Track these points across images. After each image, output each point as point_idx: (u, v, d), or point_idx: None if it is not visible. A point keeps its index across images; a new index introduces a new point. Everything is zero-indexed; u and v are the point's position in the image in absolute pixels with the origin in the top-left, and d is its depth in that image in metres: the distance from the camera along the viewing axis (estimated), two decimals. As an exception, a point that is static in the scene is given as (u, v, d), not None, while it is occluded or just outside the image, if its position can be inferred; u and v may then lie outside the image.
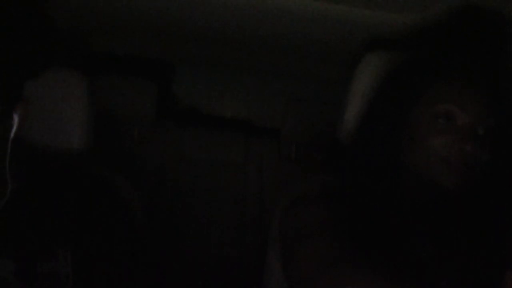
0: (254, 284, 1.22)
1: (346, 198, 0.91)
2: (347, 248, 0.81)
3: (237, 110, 2.64)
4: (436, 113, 0.86)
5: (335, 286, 0.76)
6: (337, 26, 1.18)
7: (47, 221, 0.88)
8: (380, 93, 0.96)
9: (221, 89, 2.61)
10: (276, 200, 1.12)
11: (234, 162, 2.03)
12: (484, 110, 0.85)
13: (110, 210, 0.95)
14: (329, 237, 0.84)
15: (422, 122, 0.87)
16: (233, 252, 1.98)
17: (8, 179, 0.87)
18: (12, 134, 0.84)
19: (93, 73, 1.84)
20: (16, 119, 0.84)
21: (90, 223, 0.91)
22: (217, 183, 2.01)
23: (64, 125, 1.02)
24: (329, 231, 0.85)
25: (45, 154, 1.01)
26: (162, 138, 2.01)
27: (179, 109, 2.57)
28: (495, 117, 0.85)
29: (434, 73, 0.89)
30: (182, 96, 2.57)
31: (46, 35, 0.86)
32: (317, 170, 1.14)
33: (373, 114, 0.94)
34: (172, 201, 1.96)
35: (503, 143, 0.87)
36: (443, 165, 0.84)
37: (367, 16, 1.10)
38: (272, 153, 2.02)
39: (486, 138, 0.85)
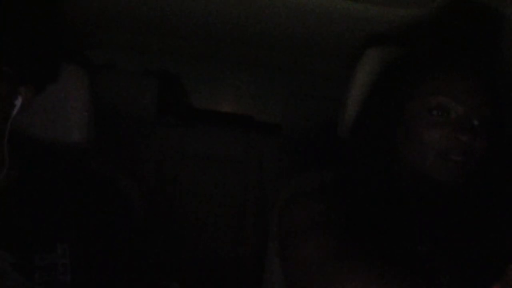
0: (254, 280, 1.23)
1: (344, 193, 0.91)
2: (345, 243, 0.82)
3: (237, 105, 2.64)
4: (430, 105, 0.86)
5: (333, 281, 0.77)
6: (338, 21, 1.18)
7: (46, 214, 0.88)
8: (376, 88, 0.96)
9: (221, 84, 2.61)
10: (275, 196, 1.12)
11: (235, 158, 2.03)
12: (478, 100, 0.85)
13: (110, 205, 0.95)
14: (327, 232, 0.84)
15: (416, 116, 0.87)
16: (233, 248, 1.98)
17: (6, 156, 0.88)
18: (14, 113, 0.86)
19: (94, 68, 1.85)
20: (20, 99, 0.86)
21: (89, 217, 0.91)
22: (218, 178, 2.01)
23: (65, 120, 1.02)
24: (327, 225, 0.85)
25: (45, 148, 1.01)
26: (162, 133, 2.01)
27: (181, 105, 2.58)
28: (489, 108, 0.85)
29: (427, 66, 0.89)
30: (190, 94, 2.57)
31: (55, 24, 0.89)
32: (317, 166, 1.14)
33: (369, 109, 0.95)
34: (172, 196, 1.97)
35: (499, 133, 0.87)
36: (440, 158, 0.84)
37: (368, 11, 1.10)
38: (272, 148, 2.02)
39: (481, 129, 0.85)
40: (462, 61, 0.89)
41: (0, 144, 0.87)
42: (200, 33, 1.53)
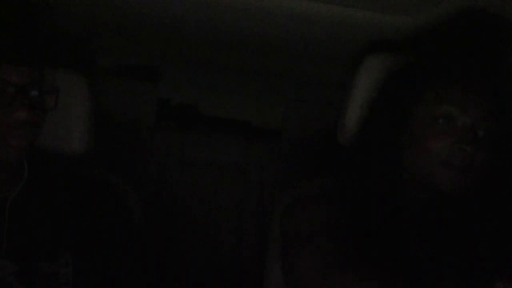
0: (254, 285, 1.22)
1: (346, 200, 0.91)
2: (347, 249, 0.82)
3: (237, 112, 2.64)
4: (436, 114, 0.86)
5: (335, 286, 0.77)
6: (338, 27, 1.18)
7: (48, 223, 0.88)
8: (381, 95, 0.96)
9: (221, 91, 2.61)
10: (276, 202, 1.12)
11: (234, 164, 2.03)
12: (484, 112, 0.85)
13: (111, 212, 0.95)
14: (329, 238, 0.84)
15: (422, 123, 0.87)
16: (233, 254, 1.97)
17: (25, 166, 0.89)
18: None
19: (94, 75, 1.85)
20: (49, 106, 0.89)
21: (90, 225, 0.91)
22: (217, 184, 2.01)
23: (66, 128, 1.02)
24: (329, 231, 0.85)
25: (46, 157, 1.01)
26: (162, 140, 2.01)
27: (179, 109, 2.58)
28: (495, 119, 0.86)
29: (435, 75, 0.89)
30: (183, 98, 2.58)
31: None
32: (317, 172, 1.14)
33: (374, 116, 0.95)
34: (173, 203, 1.96)
35: (503, 145, 0.87)
36: (443, 167, 0.84)
37: (368, 18, 1.10)
38: (272, 154, 2.02)
39: (486, 140, 0.85)
40: (470, 71, 0.89)
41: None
42: (201, 39, 1.53)
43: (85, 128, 1.03)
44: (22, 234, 0.86)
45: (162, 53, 1.83)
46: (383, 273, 0.76)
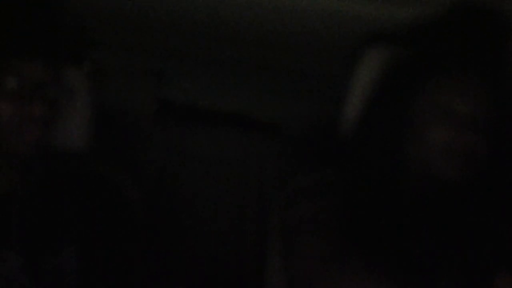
0: (255, 280, 1.23)
1: (347, 192, 0.91)
2: (348, 242, 0.82)
3: (237, 106, 2.63)
4: (437, 103, 0.86)
5: (335, 279, 0.77)
6: (337, 20, 1.18)
7: (55, 218, 0.89)
8: (381, 87, 0.96)
9: (221, 85, 2.60)
10: (276, 194, 1.12)
11: (234, 158, 2.03)
12: (484, 101, 0.85)
13: (112, 207, 0.96)
14: (329, 231, 0.84)
15: (423, 113, 0.88)
16: (234, 248, 1.98)
17: (37, 161, 0.90)
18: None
19: (93, 69, 1.84)
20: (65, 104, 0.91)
21: (93, 220, 0.92)
22: (217, 178, 2.01)
23: (65, 123, 1.02)
24: (330, 224, 0.85)
25: (54, 153, 1.01)
26: (162, 134, 2.01)
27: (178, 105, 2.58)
28: (495, 109, 0.86)
29: (435, 66, 0.90)
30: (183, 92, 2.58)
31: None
32: (317, 166, 1.14)
33: (375, 108, 0.95)
34: (173, 197, 1.97)
35: (503, 135, 0.87)
36: (445, 156, 0.85)
37: (367, 10, 1.10)
38: (272, 148, 2.02)
39: (486, 129, 0.85)
40: (470, 61, 0.89)
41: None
42: (201, 33, 1.53)
43: (84, 123, 1.03)
44: (30, 228, 0.87)
45: (161, 47, 1.83)
46: (383, 264, 0.77)
